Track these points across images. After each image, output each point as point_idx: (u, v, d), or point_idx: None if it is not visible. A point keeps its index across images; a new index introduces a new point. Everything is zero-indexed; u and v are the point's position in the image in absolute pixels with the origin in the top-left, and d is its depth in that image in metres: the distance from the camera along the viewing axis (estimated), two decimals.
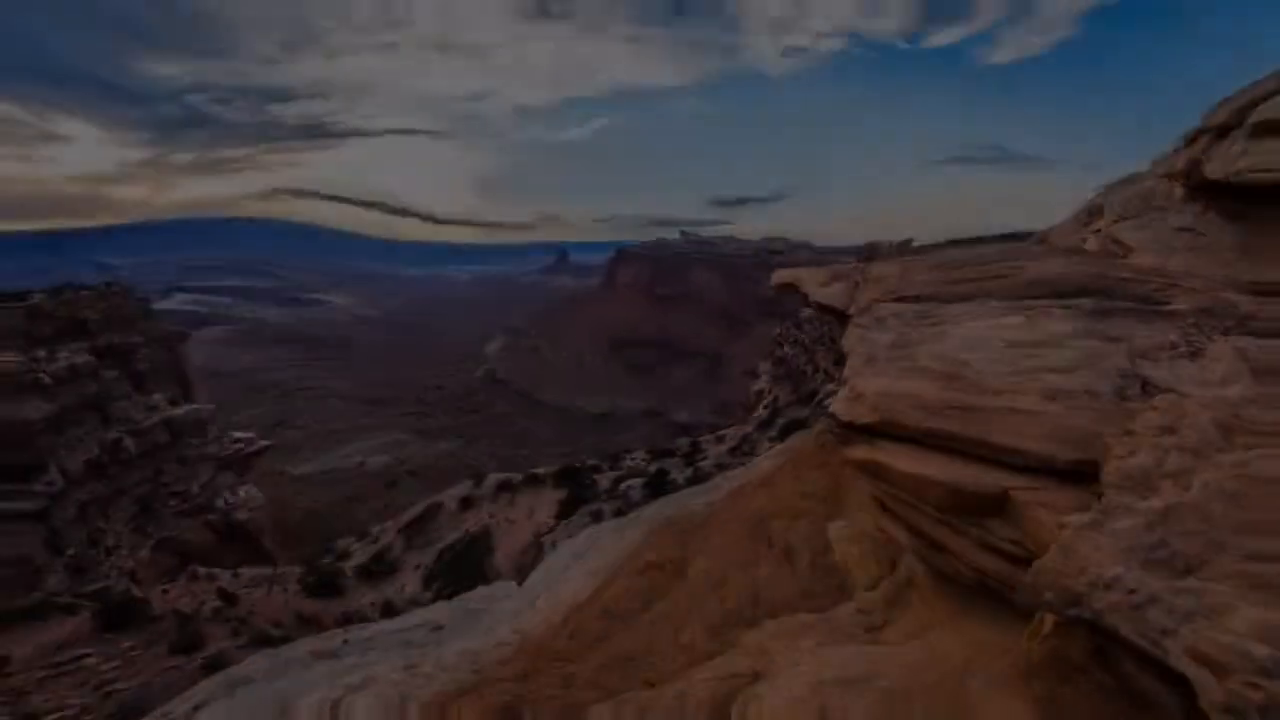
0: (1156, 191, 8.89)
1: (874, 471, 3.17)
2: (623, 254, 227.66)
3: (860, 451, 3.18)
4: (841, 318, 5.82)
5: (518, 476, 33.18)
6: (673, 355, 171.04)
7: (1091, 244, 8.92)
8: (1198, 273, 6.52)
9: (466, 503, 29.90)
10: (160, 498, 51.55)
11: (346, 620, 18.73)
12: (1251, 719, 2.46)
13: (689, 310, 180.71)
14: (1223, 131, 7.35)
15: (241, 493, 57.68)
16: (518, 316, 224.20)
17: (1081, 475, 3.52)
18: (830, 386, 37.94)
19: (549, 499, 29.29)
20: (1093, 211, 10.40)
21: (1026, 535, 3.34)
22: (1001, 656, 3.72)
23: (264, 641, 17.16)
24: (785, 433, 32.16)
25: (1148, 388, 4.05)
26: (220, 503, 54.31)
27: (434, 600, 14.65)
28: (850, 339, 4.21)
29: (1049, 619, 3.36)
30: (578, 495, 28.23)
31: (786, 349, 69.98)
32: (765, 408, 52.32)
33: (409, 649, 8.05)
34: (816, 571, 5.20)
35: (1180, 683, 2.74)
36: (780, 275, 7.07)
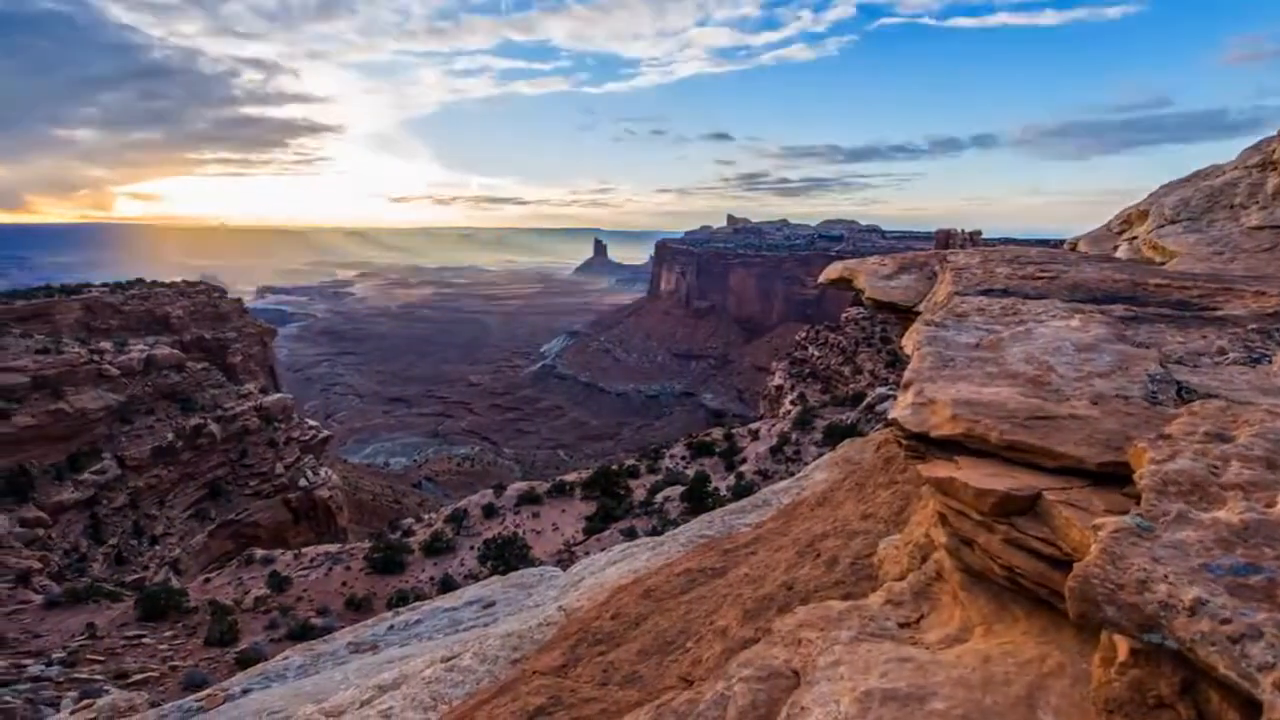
0: (1238, 185, 8.30)
1: (945, 488, 2.96)
2: (663, 253, 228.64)
3: (939, 468, 2.96)
4: (903, 315, 5.46)
5: (543, 486, 32.46)
6: (695, 354, 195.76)
7: (1123, 251, 8.41)
8: (1276, 275, 6.06)
9: (490, 510, 29.86)
10: (239, 479, 54.26)
11: (402, 599, 19.06)
12: None
13: (716, 320, 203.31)
14: None
15: (323, 472, 60.75)
16: (565, 316, 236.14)
17: (1109, 477, 3.28)
18: (882, 390, 36.91)
19: (576, 512, 28.79)
20: (1127, 219, 9.82)
21: (1057, 534, 3.12)
22: (1062, 677, 3.48)
23: (303, 633, 17.61)
24: (830, 436, 31.39)
25: (1184, 393, 3.75)
26: (303, 481, 57.11)
27: (490, 575, 14.87)
28: (917, 338, 3.94)
29: (1122, 644, 3.12)
30: (609, 509, 27.58)
31: (812, 350, 68.98)
32: (793, 403, 51.57)
33: (454, 633, 8.10)
34: (852, 570, 5.04)
35: None
36: (832, 270, 6.61)
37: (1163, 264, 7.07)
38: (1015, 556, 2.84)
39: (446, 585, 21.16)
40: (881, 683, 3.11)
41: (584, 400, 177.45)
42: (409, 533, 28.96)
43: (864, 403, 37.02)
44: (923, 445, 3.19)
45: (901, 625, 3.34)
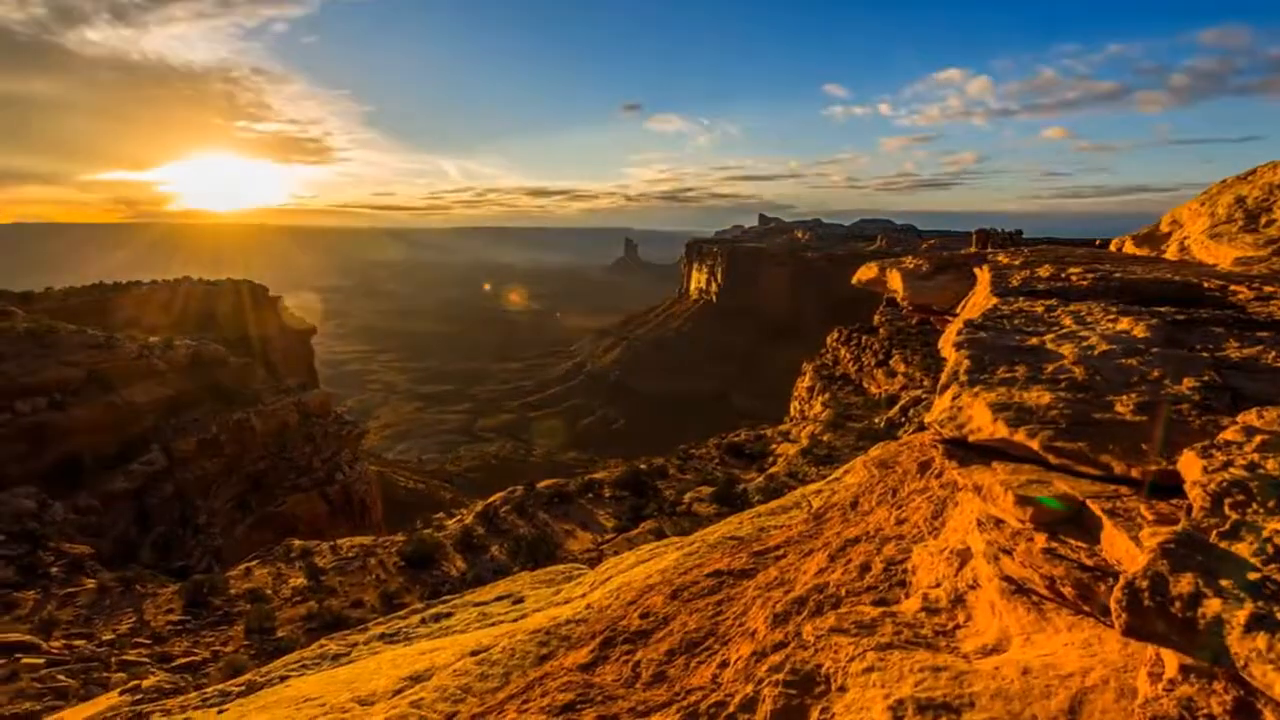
0: None
1: (983, 494, 2.89)
2: (693, 252, 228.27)
3: (978, 475, 2.89)
4: (940, 316, 5.33)
5: (572, 484, 32.36)
6: (724, 354, 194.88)
7: (1172, 252, 8.06)
8: None
9: (519, 507, 30.10)
10: (279, 473, 55.96)
11: (433, 593, 19.38)
12: None
13: (746, 320, 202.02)
14: None
15: (358, 467, 62.40)
16: (596, 314, 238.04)
17: (1157, 487, 3.16)
18: (917, 393, 36.21)
19: (605, 510, 28.86)
20: (1178, 218, 9.41)
21: (1102, 544, 3.01)
22: (1105, 691, 3.37)
23: (338, 623, 18.02)
24: (863, 439, 30.93)
25: (1239, 401, 3.58)
26: (340, 475, 58.69)
27: (519, 571, 15.05)
28: (956, 340, 3.84)
29: (1171, 660, 3.01)
30: (637, 508, 27.51)
31: (844, 351, 67.95)
32: (824, 405, 50.88)
33: (484, 627, 8.21)
34: (885, 576, 4.95)
35: None
36: (867, 269, 6.49)
37: (1215, 265, 6.78)
38: (1057, 566, 2.76)
39: (477, 580, 21.42)
40: (916, 691, 3.05)
41: (613, 399, 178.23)
42: (441, 527, 29.38)
43: (898, 405, 36.38)
44: (960, 450, 3.12)
45: (936, 633, 3.27)
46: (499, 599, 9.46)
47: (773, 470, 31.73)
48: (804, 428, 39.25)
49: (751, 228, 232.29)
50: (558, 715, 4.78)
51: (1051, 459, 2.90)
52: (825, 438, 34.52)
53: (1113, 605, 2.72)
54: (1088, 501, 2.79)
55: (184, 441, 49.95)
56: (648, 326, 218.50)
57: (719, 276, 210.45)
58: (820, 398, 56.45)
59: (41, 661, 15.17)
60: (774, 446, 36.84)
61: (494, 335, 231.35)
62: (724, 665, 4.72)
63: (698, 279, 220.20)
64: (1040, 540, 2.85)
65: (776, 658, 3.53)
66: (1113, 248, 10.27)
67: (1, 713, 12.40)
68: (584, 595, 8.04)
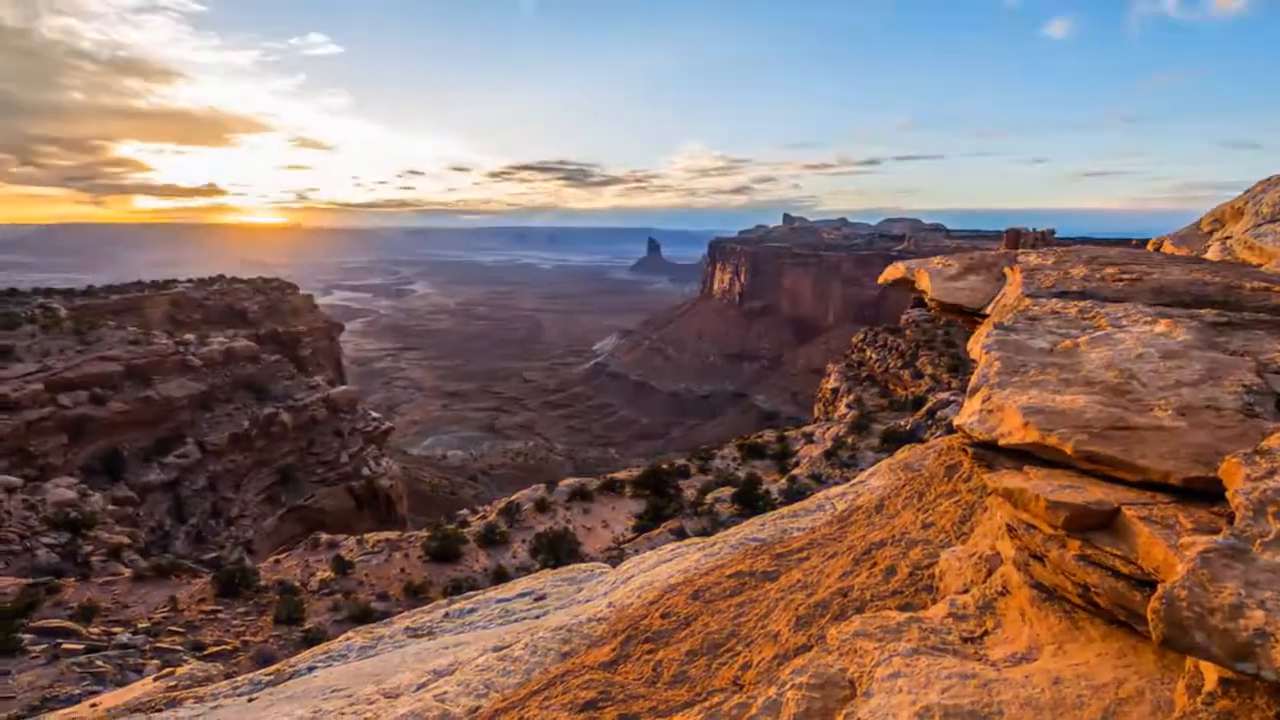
0: None
1: (1014, 499, 2.84)
2: (717, 252, 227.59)
3: (1008, 479, 2.84)
4: (969, 317, 5.24)
5: (594, 483, 32.63)
6: (747, 356, 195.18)
7: (1214, 252, 7.79)
8: None
9: (541, 505, 30.28)
10: (307, 467, 57.16)
11: (456, 588, 19.62)
12: None
13: (770, 320, 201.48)
14: None
15: (384, 463, 63.47)
16: (619, 314, 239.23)
17: (1196, 494, 3.06)
18: (944, 396, 35.61)
19: (626, 509, 28.95)
20: (1219, 217, 9.07)
21: (1138, 552, 2.92)
22: (1140, 703, 3.28)
23: (364, 616, 18.32)
24: (887, 441, 30.52)
25: None
26: (365, 470, 59.76)
27: (541, 568, 15.15)
28: (986, 342, 3.77)
29: (1211, 672, 2.92)
30: (659, 508, 27.49)
31: (870, 352, 67.06)
32: (849, 407, 50.28)
33: (507, 624, 8.28)
34: (910, 580, 4.89)
35: None
36: (894, 270, 6.39)
37: (1260, 266, 6.55)
38: (1090, 574, 2.70)
39: (499, 576, 21.62)
40: (943, 698, 3.00)
41: (635, 399, 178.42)
42: (464, 523, 29.69)
43: (924, 408, 35.82)
44: (990, 454, 3.06)
45: (964, 640, 3.22)
46: (521, 595, 9.53)
47: (795, 472, 31.48)
48: (828, 429, 38.86)
49: (776, 227, 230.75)
50: (580, 712, 4.79)
51: (1085, 464, 2.83)
52: (849, 440, 34.14)
53: (1150, 615, 2.65)
54: (1123, 508, 2.72)
55: (217, 435, 51.25)
56: (670, 326, 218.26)
57: (742, 276, 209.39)
58: (845, 399, 55.85)
59: (81, 647, 15.68)
60: (796, 448, 36.55)
61: (518, 333, 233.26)
62: (746, 667, 4.69)
63: (720, 279, 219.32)
64: (1073, 547, 2.79)
65: (800, 661, 3.50)
66: (1150, 248, 9.97)
67: (44, 695, 12.84)
68: (605, 594, 8.07)
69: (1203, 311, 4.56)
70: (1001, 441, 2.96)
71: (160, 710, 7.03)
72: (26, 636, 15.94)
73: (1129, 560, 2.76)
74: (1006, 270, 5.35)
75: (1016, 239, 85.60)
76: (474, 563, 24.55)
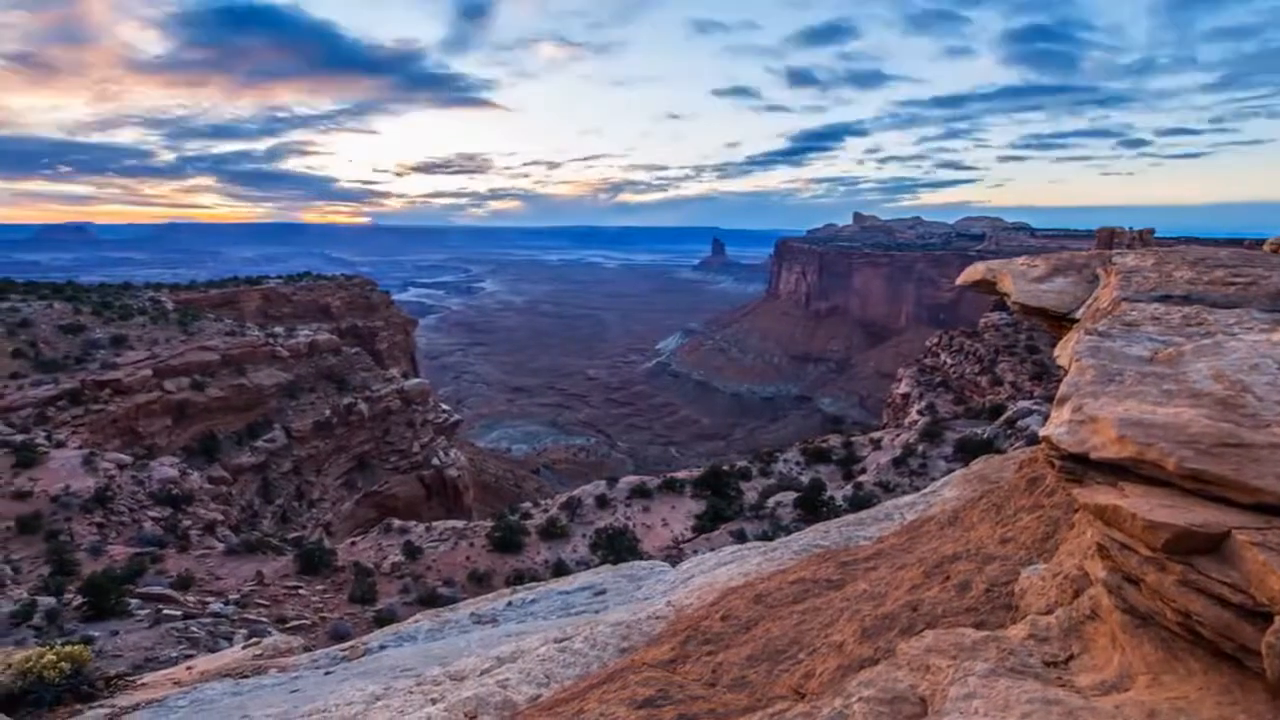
0: None
1: (1107, 517, 2.66)
2: (784, 251, 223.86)
3: (1101, 495, 2.67)
4: (1055, 322, 4.95)
5: (654, 481, 32.61)
6: (813, 357, 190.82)
7: None
8: None
9: (602, 501, 30.52)
10: (381, 455, 60.13)
11: (518, 578, 20.12)
12: None
13: (838, 322, 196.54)
14: None
15: (452, 454, 66.07)
16: (682, 313, 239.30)
17: None
18: (1025, 404, 33.74)
19: (685, 509, 28.80)
20: None
21: (1250, 580, 2.65)
22: None
23: (431, 600, 19.04)
24: (962, 450, 29.21)
25: None
26: (435, 460, 62.36)
27: (601, 563, 15.34)
28: (1076, 348, 3.55)
29: None
30: (719, 509, 27.26)
31: (944, 357, 64.17)
32: (920, 413, 48.30)
33: (567, 616, 8.43)
34: (987, 598, 4.64)
35: None
36: (974, 270, 6.09)
37: None
38: (1193, 601, 2.49)
39: (559, 569, 22.02)
40: None
41: (697, 399, 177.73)
42: (527, 516, 30.38)
43: (1003, 417, 34.02)
44: (1080, 468, 2.87)
45: (1047, 664, 3.04)
46: (581, 589, 9.67)
47: (861, 478, 30.55)
48: (897, 436, 37.52)
49: (846, 226, 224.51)
50: (639, 709, 4.81)
51: (1189, 483, 2.62)
52: (920, 448, 32.84)
53: (1264, 650, 2.43)
54: (1234, 532, 2.50)
55: (301, 422, 54.45)
56: (734, 326, 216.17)
57: (809, 276, 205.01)
58: (916, 405, 53.82)
59: (179, 614, 17.00)
60: (863, 454, 35.46)
61: (582, 331, 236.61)
62: (808, 676, 4.59)
63: (787, 278, 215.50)
64: (1174, 571, 2.59)
65: (867, 674, 3.40)
66: (1266, 249, 9.09)
67: (146, 656, 13.99)
68: (665, 593, 8.08)
69: None
70: (1093, 455, 2.77)
71: (248, 677, 7.53)
72: (133, 601, 17.42)
73: (1239, 589, 2.54)
74: (1100, 272, 5.01)
75: (1110, 238, 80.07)
76: (535, 554, 25.08)
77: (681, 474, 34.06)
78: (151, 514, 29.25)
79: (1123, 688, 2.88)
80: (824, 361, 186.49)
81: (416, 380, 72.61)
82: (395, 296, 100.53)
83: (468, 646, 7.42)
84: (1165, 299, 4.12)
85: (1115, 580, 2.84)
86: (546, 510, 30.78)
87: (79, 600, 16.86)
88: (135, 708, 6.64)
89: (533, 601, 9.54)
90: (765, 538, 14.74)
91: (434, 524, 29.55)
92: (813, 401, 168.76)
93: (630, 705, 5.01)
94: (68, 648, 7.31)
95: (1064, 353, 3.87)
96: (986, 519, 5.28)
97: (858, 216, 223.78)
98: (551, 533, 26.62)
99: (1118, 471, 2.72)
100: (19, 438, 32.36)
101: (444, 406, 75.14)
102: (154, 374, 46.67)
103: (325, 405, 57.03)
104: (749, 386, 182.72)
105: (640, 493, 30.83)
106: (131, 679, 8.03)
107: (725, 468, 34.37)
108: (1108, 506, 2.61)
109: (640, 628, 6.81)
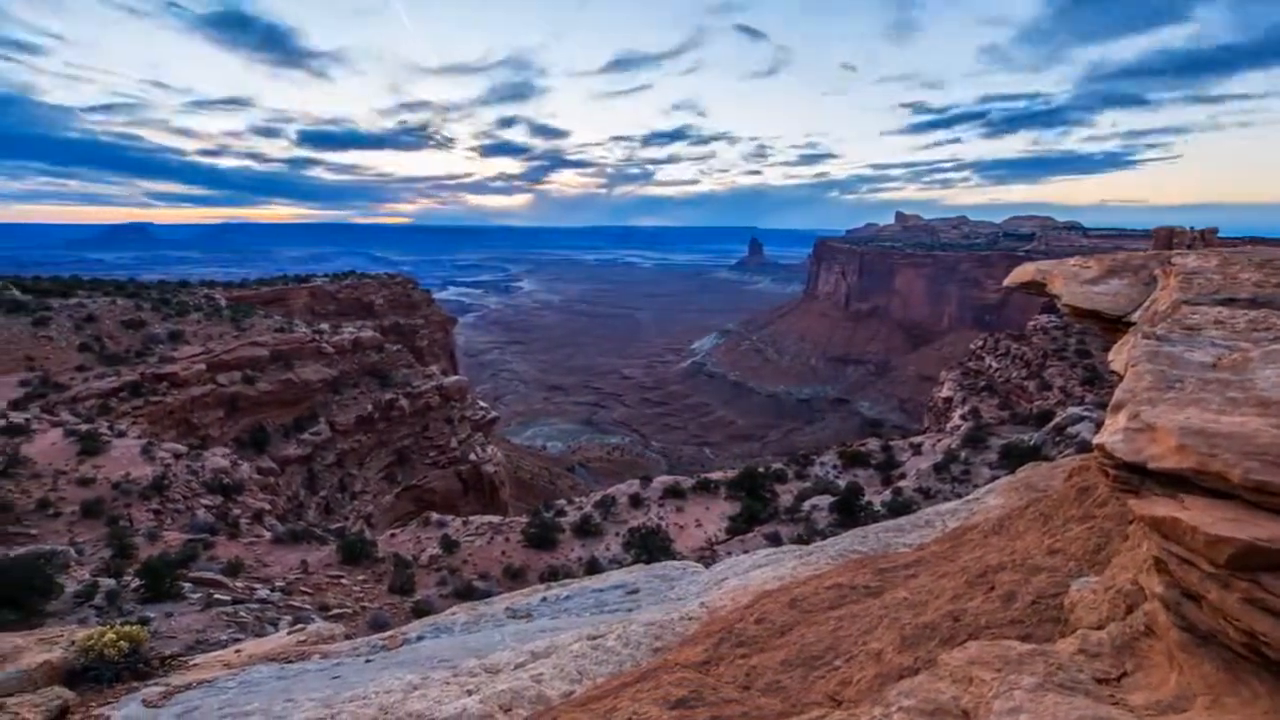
0: None
1: (1166, 530, 2.56)
2: (823, 250, 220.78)
3: (1160, 506, 2.56)
4: (1109, 325, 4.75)
5: (688, 481, 32.49)
6: (852, 359, 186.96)
7: None
8: None
9: (636, 500, 30.54)
10: (420, 450, 61.52)
11: (552, 575, 20.29)
12: None
13: (878, 323, 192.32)
14: None
15: (489, 450, 67.25)
16: (719, 314, 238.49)
17: None
18: (1076, 410, 32.52)
19: (719, 510, 28.61)
20: None
21: None
22: None
23: (467, 593, 19.35)
24: (1007, 457, 28.33)
25: None
26: (473, 456, 63.55)
27: (634, 562, 15.34)
28: (1133, 354, 3.40)
29: None
30: (753, 511, 26.99)
31: (989, 360, 62.23)
32: (963, 418, 46.94)
33: (600, 614, 8.47)
34: (1033, 610, 4.48)
35: None
36: (1023, 271, 5.89)
37: None
38: (1260, 620, 2.36)
39: (593, 567, 22.13)
40: None
41: (732, 399, 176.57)
42: (561, 513, 30.62)
43: (1052, 423, 32.81)
44: (1136, 478, 2.75)
45: (1098, 681, 2.92)
46: (614, 587, 9.70)
47: (900, 484, 29.89)
48: (938, 440, 36.59)
49: (887, 225, 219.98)
50: (671, 709, 4.79)
51: (1254, 495, 2.48)
52: (962, 453, 31.95)
53: None
54: None
55: (344, 416, 56.03)
56: (770, 327, 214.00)
57: (849, 277, 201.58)
58: (959, 409, 52.42)
59: (228, 599, 17.66)
60: (903, 458, 34.68)
61: (617, 331, 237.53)
62: (845, 684, 4.52)
63: (826, 279, 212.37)
64: (1238, 588, 2.46)
65: (907, 684, 3.32)
66: None
67: (198, 638, 14.59)
68: (698, 594, 8.05)
69: None
70: (1151, 465, 2.65)
71: (293, 662, 7.78)
72: (186, 584, 18.17)
73: None
74: (1158, 273, 4.79)
75: (1169, 238, 76.41)
76: (569, 551, 25.26)
77: (716, 475, 33.84)
78: (204, 502, 30.48)
79: (1180, 709, 2.75)
80: (863, 364, 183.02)
81: (455, 377, 73.97)
82: (435, 295, 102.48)
83: (502, 640, 7.52)
84: (1230, 302, 3.92)
85: (1174, 596, 2.71)
86: (580, 508, 30.97)
87: (137, 583, 17.65)
88: (188, 687, 6.93)
89: (566, 598, 9.61)
90: (801, 541, 14.53)
91: (471, 518, 30.04)
92: (851, 404, 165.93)
93: (663, 705, 4.99)
94: (126, 627, 7.65)
95: (1119, 357, 3.71)
96: (1033, 529, 5.11)
97: (900, 216, 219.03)
98: (585, 530, 26.79)
99: (1177, 483, 2.59)
100: (84, 427, 34.06)
101: (481, 403, 76.33)
102: (208, 368, 48.62)
103: (368, 400, 58.55)
104: (785, 388, 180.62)
105: (674, 493, 30.76)
106: (184, 660, 8.37)
107: (760, 469, 34.02)
108: (1166, 519, 2.49)
109: (673, 628, 6.80)
